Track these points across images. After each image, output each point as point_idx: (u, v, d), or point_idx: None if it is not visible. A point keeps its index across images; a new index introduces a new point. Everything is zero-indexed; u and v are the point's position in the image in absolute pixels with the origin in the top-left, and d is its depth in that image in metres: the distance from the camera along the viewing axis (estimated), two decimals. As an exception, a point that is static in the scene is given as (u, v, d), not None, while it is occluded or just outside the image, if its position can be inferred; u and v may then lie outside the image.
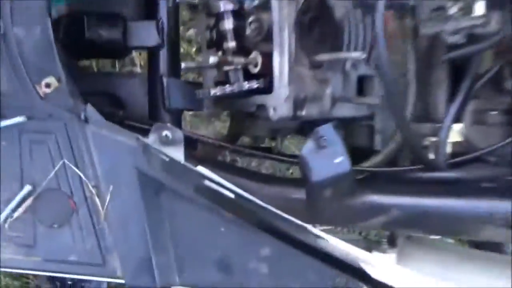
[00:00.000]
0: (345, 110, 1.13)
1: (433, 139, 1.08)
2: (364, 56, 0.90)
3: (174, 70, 1.34)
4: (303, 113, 1.04)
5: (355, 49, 1.08)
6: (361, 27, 1.08)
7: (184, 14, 1.87)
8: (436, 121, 1.17)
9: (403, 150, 1.11)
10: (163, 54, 1.33)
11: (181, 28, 1.95)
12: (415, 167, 0.98)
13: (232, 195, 0.76)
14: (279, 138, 1.56)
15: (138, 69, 1.92)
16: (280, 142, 1.59)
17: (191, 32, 2.00)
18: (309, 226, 0.72)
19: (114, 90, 1.50)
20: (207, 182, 0.80)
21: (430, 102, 1.18)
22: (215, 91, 0.98)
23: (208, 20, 1.11)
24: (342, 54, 0.94)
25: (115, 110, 1.30)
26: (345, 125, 1.25)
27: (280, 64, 0.95)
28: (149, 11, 1.31)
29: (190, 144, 1.26)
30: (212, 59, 0.93)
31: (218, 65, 1.01)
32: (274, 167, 2.16)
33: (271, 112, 0.97)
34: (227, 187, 0.76)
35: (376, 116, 1.17)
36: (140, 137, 0.94)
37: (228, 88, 0.98)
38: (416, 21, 1.02)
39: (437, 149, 0.97)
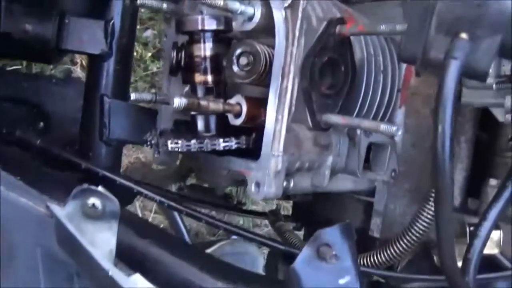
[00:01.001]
0: (343, 183, 0.85)
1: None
2: (399, 133, 0.62)
3: (121, 89, 1.02)
4: (291, 185, 0.76)
5: (369, 108, 0.81)
6: (381, 79, 0.81)
7: (143, 10, 1.55)
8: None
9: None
10: (108, 66, 1.00)
11: (137, 27, 1.62)
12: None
13: None
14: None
15: (77, 70, 1.56)
16: (242, 190, 1.30)
17: (148, 33, 1.67)
18: None
19: (39, 98, 1.16)
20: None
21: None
22: (175, 146, 0.68)
23: (178, 37, 0.80)
24: (367, 123, 0.66)
25: (32, 135, 0.96)
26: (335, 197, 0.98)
27: (276, 121, 0.66)
28: (98, 8, 0.99)
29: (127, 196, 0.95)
30: (178, 102, 0.62)
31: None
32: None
33: (252, 188, 0.68)
34: None
35: (378, 193, 0.91)
36: (53, 205, 0.62)
37: (194, 145, 0.68)
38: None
39: (465, 267, 0.71)
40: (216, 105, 0.68)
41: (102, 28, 0.98)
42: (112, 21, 0.98)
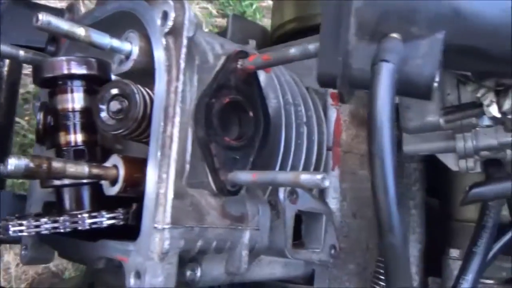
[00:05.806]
0: (270, 268, 0.66)
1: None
2: (327, 183, 0.45)
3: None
4: (198, 274, 0.56)
5: (294, 168, 0.64)
6: (305, 131, 0.66)
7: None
8: None
9: None
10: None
11: None
12: None
13: None
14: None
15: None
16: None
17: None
18: None
19: None
20: None
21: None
22: (17, 229, 0.47)
23: (41, 94, 0.63)
24: (284, 176, 0.48)
25: None
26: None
27: (159, 182, 0.48)
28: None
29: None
30: (13, 164, 0.43)
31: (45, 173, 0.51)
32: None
33: (131, 281, 0.47)
34: None
35: (317, 278, 0.72)
36: None
37: (46, 225, 0.48)
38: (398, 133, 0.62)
39: None
40: (78, 168, 0.49)
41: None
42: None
